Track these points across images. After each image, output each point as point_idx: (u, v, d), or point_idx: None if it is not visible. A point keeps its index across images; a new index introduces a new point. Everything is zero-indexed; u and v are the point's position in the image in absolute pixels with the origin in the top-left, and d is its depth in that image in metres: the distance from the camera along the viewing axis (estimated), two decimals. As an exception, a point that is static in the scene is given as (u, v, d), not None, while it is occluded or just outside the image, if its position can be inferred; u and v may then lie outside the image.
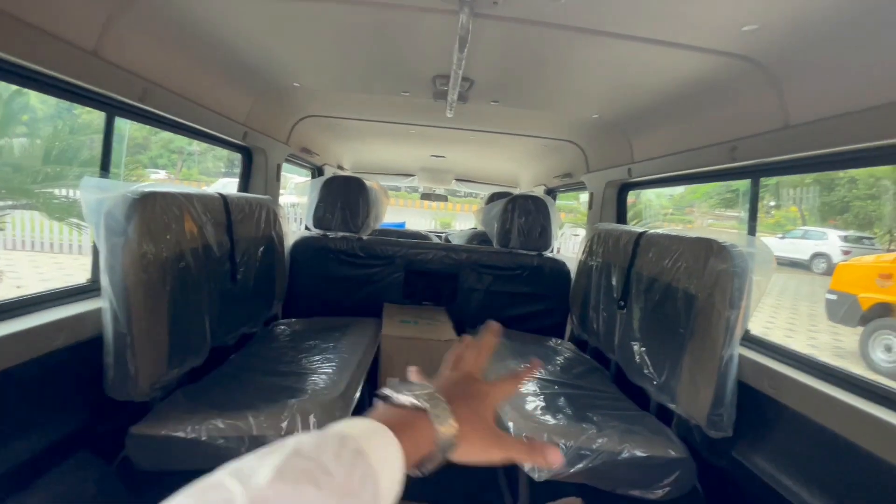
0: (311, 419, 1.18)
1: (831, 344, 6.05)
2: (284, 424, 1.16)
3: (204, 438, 1.12)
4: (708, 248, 1.27)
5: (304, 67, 1.66)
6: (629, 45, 1.17)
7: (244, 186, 2.17)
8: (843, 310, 5.33)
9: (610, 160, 2.18)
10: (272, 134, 2.15)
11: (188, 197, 1.36)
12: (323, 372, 1.49)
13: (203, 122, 1.57)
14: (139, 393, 1.13)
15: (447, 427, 0.38)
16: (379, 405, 0.40)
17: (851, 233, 10.55)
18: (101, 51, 1.08)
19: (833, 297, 5.51)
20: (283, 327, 2.04)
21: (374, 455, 0.33)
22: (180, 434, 1.12)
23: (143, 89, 1.23)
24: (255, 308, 1.85)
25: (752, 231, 1.37)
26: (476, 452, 0.40)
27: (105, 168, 1.30)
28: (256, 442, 1.12)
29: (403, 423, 0.37)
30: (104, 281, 1.10)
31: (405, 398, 0.39)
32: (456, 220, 13.25)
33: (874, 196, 11.14)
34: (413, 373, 0.48)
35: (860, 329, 5.17)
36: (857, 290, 5.26)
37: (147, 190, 1.19)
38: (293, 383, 1.40)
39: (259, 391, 1.34)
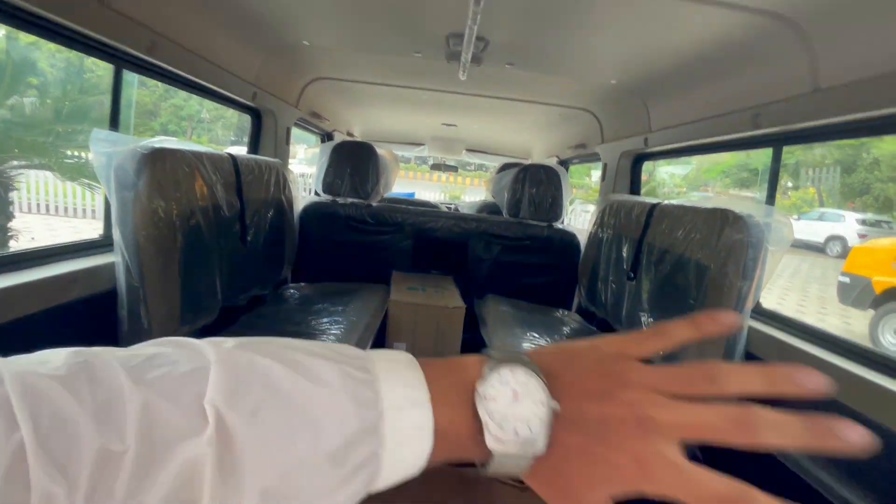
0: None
1: (840, 327, 6.01)
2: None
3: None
4: (723, 218, 1.24)
5: (313, 24, 1.61)
6: (652, 1, 1.12)
7: (253, 149, 2.15)
8: (856, 293, 5.26)
9: (626, 130, 2.12)
10: (282, 96, 2.12)
11: (198, 155, 1.35)
12: (332, 333, 1.52)
13: (212, 80, 1.55)
14: None
15: (519, 465, 0.25)
16: (470, 362, 0.27)
17: (870, 216, 10.30)
18: None
19: (846, 279, 5.43)
20: (292, 291, 2.07)
21: (390, 427, 0.24)
22: None
23: (151, 41, 1.21)
24: (265, 271, 1.86)
25: (770, 200, 1.34)
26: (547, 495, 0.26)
27: (114, 123, 1.29)
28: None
29: (454, 426, 0.26)
30: (116, 235, 1.11)
31: (486, 420, 0.25)
32: (465, 193, 13.15)
33: (896, 179, 10.82)
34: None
35: (870, 312, 5.12)
36: (871, 274, 5.18)
37: (157, 146, 1.18)
38: (302, 343, 1.42)
39: None
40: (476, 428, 0.25)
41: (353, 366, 0.26)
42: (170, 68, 1.33)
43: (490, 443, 0.25)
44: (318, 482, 0.23)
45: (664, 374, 0.26)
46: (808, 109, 1.13)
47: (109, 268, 1.17)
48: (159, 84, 1.52)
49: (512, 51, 1.64)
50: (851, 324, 6.03)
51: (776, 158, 1.31)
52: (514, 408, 0.25)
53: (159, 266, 1.15)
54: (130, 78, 1.39)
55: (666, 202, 1.60)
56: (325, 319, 1.66)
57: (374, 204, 2.30)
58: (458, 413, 0.26)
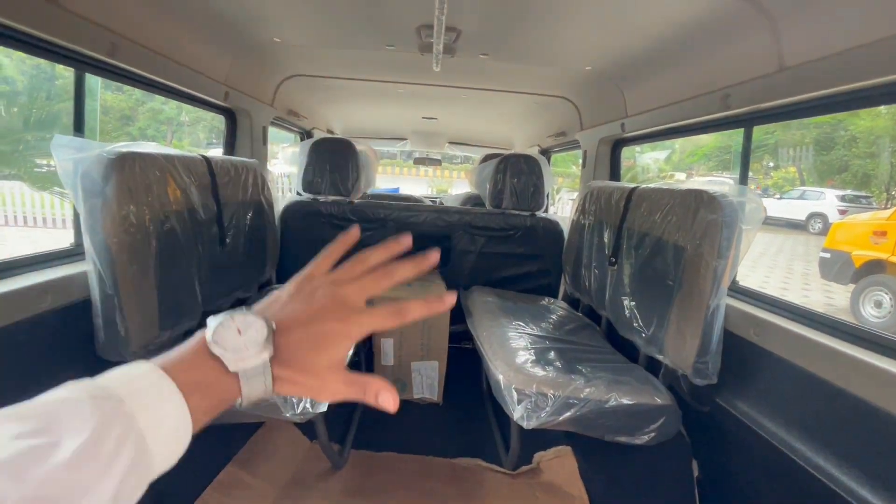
0: (304, 375, 1.20)
1: (822, 301, 6.15)
2: (277, 381, 1.17)
3: (198, 396, 1.13)
4: (698, 199, 1.25)
5: (283, 20, 1.58)
6: None
7: (230, 150, 2.12)
8: (837, 268, 5.38)
9: (603, 116, 2.13)
10: (256, 95, 2.08)
11: (169, 158, 1.32)
12: (316, 332, 1.51)
13: (181, 81, 1.52)
14: (132, 354, 1.14)
15: (258, 387, 0.33)
16: (194, 344, 0.34)
17: (849, 192, 10.52)
18: (64, 0, 1.03)
19: (827, 255, 5.55)
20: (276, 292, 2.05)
21: (143, 416, 0.28)
22: None
23: (112, 43, 1.18)
24: (247, 273, 1.84)
25: (743, 180, 1.36)
26: (297, 393, 0.36)
27: (79, 129, 1.26)
28: (250, 398, 1.15)
29: (202, 373, 0.32)
30: (86, 243, 1.08)
31: (223, 357, 0.33)
32: (453, 187, 13.13)
33: (873, 154, 11.03)
34: (322, 258, 0.42)
35: (852, 287, 5.24)
36: (850, 248, 5.30)
37: (124, 150, 1.15)
38: (286, 343, 1.42)
39: None
40: (220, 369, 0.33)
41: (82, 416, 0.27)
42: (135, 70, 1.30)
43: (232, 366, 0.32)
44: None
45: (338, 271, 0.40)
46: (775, 88, 1.14)
47: (83, 277, 1.15)
48: (135, 88, 1.49)
49: (485, 41, 1.63)
50: (833, 298, 6.17)
51: (747, 138, 1.33)
52: (241, 338, 0.33)
53: (134, 273, 1.13)
54: (95, 83, 1.35)
55: (643, 186, 1.62)
56: (309, 319, 1.65)
57: (356, 201, 2.28)
58: (198, 369, 0.32)
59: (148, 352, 1.22)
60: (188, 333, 1.42)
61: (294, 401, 1.16)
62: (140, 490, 0.28)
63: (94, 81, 1.33)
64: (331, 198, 2.24)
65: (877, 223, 5.21)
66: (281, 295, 0.38)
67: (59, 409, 0.27)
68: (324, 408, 1.17)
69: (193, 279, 1.42)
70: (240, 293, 1.82)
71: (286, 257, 2.23)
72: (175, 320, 1.32)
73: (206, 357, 0.33)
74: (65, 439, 0.25)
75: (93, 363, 1.16)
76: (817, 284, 6.63)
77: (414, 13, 1.43)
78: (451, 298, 0.41)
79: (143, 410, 0.29)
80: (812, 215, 10.43)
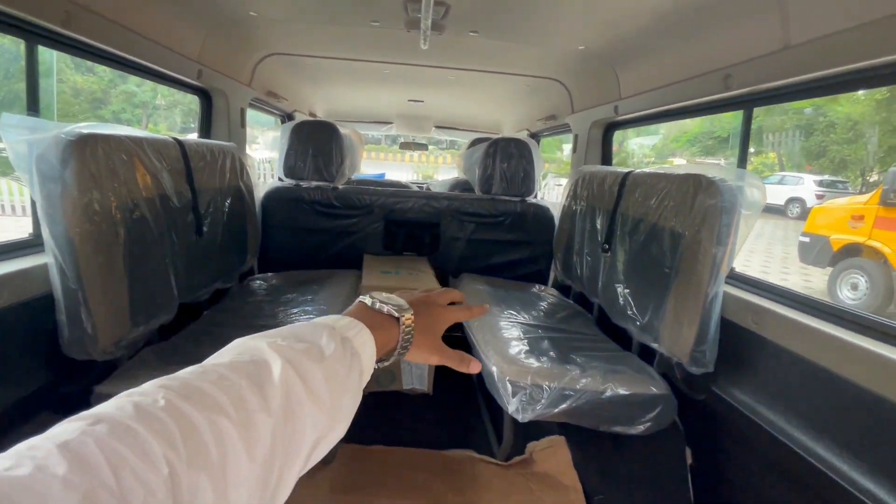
0: (288, 371, 1.14)
1: (801, 284, 6.29)
2: (259, 378, 1.11)
3: (174, 395, 1.07)
4: (696, 184, 1.22)
5: None
6: None
7: (205, 133, 2.00)
8: (815, 251, 5.50)
9: (596, 98, 2.07)
10: (232, 74, 1.97)
11: (137, 140, 1.22)
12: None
13: (146, 56, 1.40)
14: (100, 352, 1.06)
15: (407, 334, 0.49)
16: (358, 307, 0.49)
17: (826, 177, 10.74)
18: None
19: (806, 239, 5.66)
20: (259, 282, 1.97)
21: (357, 341, 0.43)
22: None
23: (66, 12, 1.06)
24: (227, 262, 1.76)
25: (742, 163, 1.32)
26: (422, 356, 0.52)
27: (33, 108, 1.15)
28: (230, 396, 1.08)
29: (376, 323, 0.46)
30: (45, 233, 0.99)
31: (385, 307, 0.49)
32: (438, 173, 12.99)
33: (850, 140, 11.25)
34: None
35: (829, 270, 5.36)
36: (829, 232, 5.41)
37: (85, 131, 1.05)
38: (269, 337, 1.35)
39: None
40: (386, 317, 0.48)
41: (336, 337, 0.41)
42: (93, 43, 1.19)
43: (396, 312, 0.48)
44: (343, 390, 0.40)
45: (431, 294, 0.57)
46: (778, 68, 1.10)
47: (43, 270, 1.06)
48: (108, 68, 1.37)
49: (475, 17, 1.55)
50: (812, 281, 6.32)
51: (747, 120, 1.29)
52: (392, 300, 0.50)
53: (99, 264, 1.04)
54: (51, 57, 1.24)
55: (638, 170, 1.58)
56: (294, 310, 1.58)
57: (341, 186, 2.20)
58: (374, 317, 0.47)
59: (119, 348, 1.14)
60: (164, 328, 1.35)
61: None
62: (360, 391, 0.42)
63: (50, 56, 1.21)
64: (314, 183, 2.15)
65: (855, 207, 5.32)
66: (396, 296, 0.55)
67: (308, 331, 0.40)
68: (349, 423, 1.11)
69: (168, 270, 1.33)
70: (219, 284, 1.74)
71: (268, 245, 2.14)
72: (149, 314, 1.24)
73: (373, 312, 0.48)
74: (325, 347, 0.39)
75: (58, 362, 1.08)
76: (796, 268, 6.78)
77: None
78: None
79: (355, 338, 0.43)
80: (791, 200, 10.64)
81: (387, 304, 0.49)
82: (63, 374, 1.11)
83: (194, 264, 1.49)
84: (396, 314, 0.48)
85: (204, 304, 1.66)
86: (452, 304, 0.58)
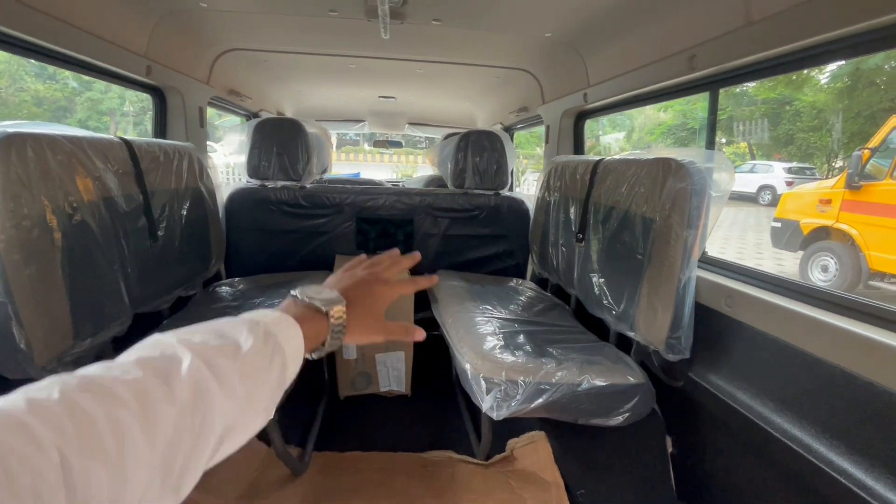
0: (247, 380, 1.07)
1: (775, 268, 6.45)
2: (216, 388, 1.04)
3: (123, 411, 0.99)
4: (666, 168, 1.19)
5: None
6: None
7: (160, 133, 1.90)
8: (787, 236, 5.63)
9: (565, 87, 2.05)
10: (186, 71, 1.87)
11: (75, 140, 1.14)
12: (265, 330, 1.37)
13: (85, 51, 1.31)
14: (38, 369, 0.98)
15: (338, 324, 0.49)
16: (288, 301, 0.50)
17: (795, 164, 11.06)
18: None
19: (778, 224, 5.80)
20: (224, 288, 1.88)
21: (282, 336, 0.42)
22: None
23: None
24: (188, 268, 1.67)
25: (710, 144, 1.31)
26: (362, 338, 0.53)
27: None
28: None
29: (305, 317, 0.47)
30: None
31: (314, 301, 0.49)
32: (417, 171, 12.93)
33: (816, 128, 11.61)
34: (354, 261, 0.61)
35: (801, 253, 5.51)
36: (799, 217, 5.55)
37: (11, 130, 0.97)
38: (230, 344, 1.27)
39: None
40: (314, 310, 0.49)
41: (258, 333, 0.41)
42: (19, 35, 1.10)
43: (324, 307, 0.49)
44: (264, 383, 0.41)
45: (372, 263, 0.59)
46: (742, 45, 1.08)
47: None
48: (70, 76, 1.27)
49: (436, 5, 1.50)
50: (784, 265, 6.49)
51: (713, 101, 1.28)
52: (322, 292, 0.51)
53: (32, 275, 0.96)
54: (20, 64, 1.14)
55: (609, 158, 1.55)
56: (259, 315, 1.51)
57: (308, 186, 2.12)
58: (302, 312, 0.48)
59: (63, 364, 1.05)
60: (118, 340, 1.26)
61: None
62: (283, 383, 0.42)
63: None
64: (280, 183, 2.07)
65: (822, 192, 5.46)
66: (332, 278, 0.57)
67: (229, 327, 0.40)
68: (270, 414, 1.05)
69: (117, 278, 1.25)
70: (181, 291, 1.65)
71: (235, 249, 2.06)
72: (96, 326, 1.15)
73: (301, 305, 0.49)
74: (242, 343, 0.39)
75: None
76: (769, 253, 6.95)
77: None
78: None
79: (280, 332, 0.42)
80: (762, 187, 10.92)
81: (315, 297, 0.49)
82: None
83: (149, 271, 1.40)
84: (323, 308, 0.49)
85: (164, 314, 1.58)
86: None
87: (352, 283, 0.54)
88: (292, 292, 0.51)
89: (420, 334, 0.56)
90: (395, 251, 0.63)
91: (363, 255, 0.63)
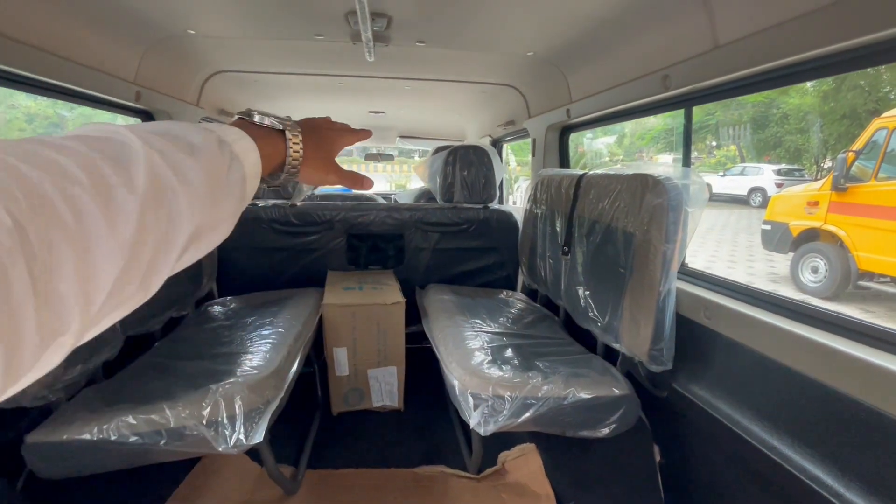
0: (237, 402, 1.08)
1: (766, 270, 6.51)
2: (206, 412, 1.05)
3: (114, 438, 1.00)
4: (644, 184, 1.23)
5: (194, 9, 1.43)
6: None
7: (151, 156, 1.92)
8: (777, 238, 5.70)
9: (549, 102, 2.10)
10: (176, 94, 1.90)
11: None
12: (256, 350, 1.39)
13: (74, 80, 1.33)
14: (29, 398, 0.99)
15: (296, 149, 0.48)
16: (237, 122, 0.47)
17: (783, 166, 11.19)
18: None
19: (767, 227, 5.86)
20: (216, 307, 1.90)
21: (236, 147, 0.40)
22: (86, 437, 1.00)
23: None
24: (179, 289, 1.69)
25: (686, 162, 1.35)
26: (317, 176, 0.52)
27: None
28: (175, 434, 1.02)
29: (259, 134, 0.45)
30: None
31: (268, 120, 0.48)
32: (412, 182, 12.96)
33: (803, 130, 11.79)
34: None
35: (791, 255, 5.57)
36: (788, 219, 5.61)
37: None
38: (221, 366, 1.29)
39: (182, 379, 1.22)
40: (270, 130, 0.47)
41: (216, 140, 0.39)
42: (13, 70, 1.12)
43: (277, 124, 0.48)
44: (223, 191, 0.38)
45: (340, 124, 0.59)
46: (711, 67, 1.12)
47: None
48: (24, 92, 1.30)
49: (419, 27, 1.55)
50: (776, 267, 6.55)
51: (688, 118, 1.32)
52: (277, 119, 0.49)
53: None
54: None
55: (591, 172, 1.59)
56: (250, 335, 1.53)
57: (299, 203, 2.15)
58: (257, 129, 0.46)
59: (54, 391, 1.06)
60: (110, 364, 1.28)
61: (227, 433, 1.05)
62: (245, 199, 0.41)
63: None
64: (270, 202, 2.09)
65: (810, 194, 5.54)
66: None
67: (184, 130, 0.36)
68: (260, 437, 1.07)
69: None
70: (173, 312, 1.67)
71: (226, 268, 2.07)
72: (88, 351, 1.17)
73: (254, 126, 0.47)
74: (197, 145, 0.35)
75: None
76: (761, 255, 7.01)
77: None
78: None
79: (235, 143, 0.40)
80: (752, 190, 11.03)
81: (268, 116, 0.48)
82: None
83: None
84: (280, 126, 0.48)
85: (156, 335, 1.59)
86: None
87: (303, 121, 0.54)
88: (239, 113, 0.49)
89: (368, 184, 0.57)
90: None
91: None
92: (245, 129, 0.45)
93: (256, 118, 0.48)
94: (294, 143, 0.48)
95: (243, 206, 0.41)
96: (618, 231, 1.33)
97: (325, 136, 0.55)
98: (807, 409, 0.89)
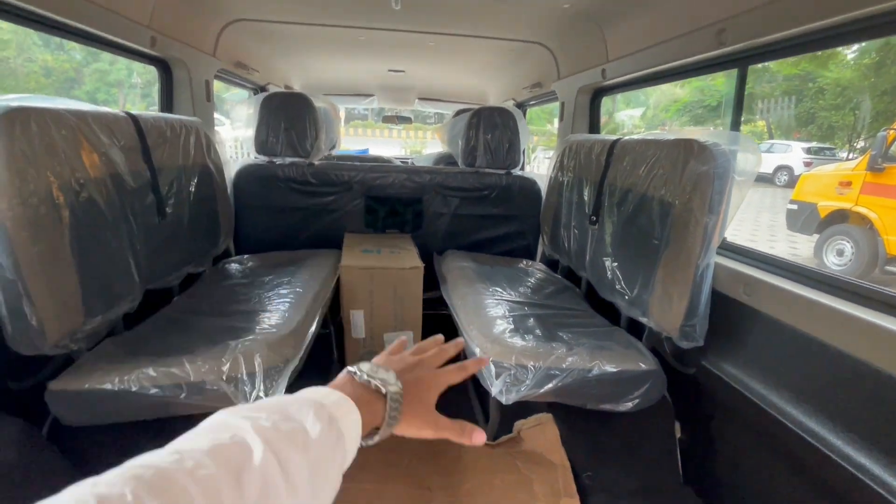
0: (257, 359, 1.07)
1: (787, 251, 6.34)
2: (226, 368, 1.04)
3: (134, 389, 1.00)
4: (688, 150, 1.14)
5: None
6: None
7: (166, 107, 1.87)
8: (803, 218, 5.51)
9: (582, 62, 1.97)
10: (192, 42, 1.82)
11: (80, 115, 1.11)
12: (274, 309, 1.37)
13: (86, 20, 1.27)
14: (51, 345, 0.98)
15: (396, 413, 0.46)
16: (345, 378, 0.47)
17: (814, 144, 10.71)
18: None
19: (794, 206, 5.66)
20: (233, 265, 1.88)
21: (344, 422, 0.40)
22: (107, 386, 1.00)
23: None
24: (197, 245, 1.67)
25: (735, 125, 1.25)
26: (412, 430, 0.49)
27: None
28: (195, 389, 1.02)
29: (363, 399, 0.44)
30: None
31: (372, 381, 0.47)
32: (427, 148, 12.75)
33: (839, 106, 11.19)
34: (397, 344, 0.58)
35: (815, 237, 5.39)
36: (817, 199, 5.41)
37: (15, 104, 0.95)
38: (240, 323, 1.28)
39: (201, 334, 1.21)
40: (373, 393, 0.46)
41: (323, 418, 0.40)
42: (18, 4, 1.06)
43: (383, 388, 0.46)
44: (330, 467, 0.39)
45: (418, 349, 0.57)
46: (775, 19, 1.01)
47: None
48: (77, 46, 1.24)
49: None
50: (798, 248, 6.37)
51: (741, 79, 1.21)
52: (380, 372, 0.48)
53: (41, 253, 0.95)
54: (28, 35, 1.11)
55: (626, 138, 1.50)
56: (268, 294, 1.51)
57: (317, 162, 2.09)
58: (361, 392, 0.46)
59: (75, 340, 1.06)
60: (131, 317, 1.27)
61: (246, 389, 1.04)
62: (340, 478, 0.40)
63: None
64: (288, 160, 2.04)
65: (843, 174, 5.30)
66: (380, 358, 0.54)
67: (295, 408, 0.38)
68: (280, 395, 1.06)
69: (127, 255, 1.24)
70: (191, 268, 1.65)
71: (243, 226, 2.05)
72: (107, 303, 1.15)
73: (361, 387, 0.46)
74: (310, 430, 0.37)
75: (5, 359, 1.00)
76: (783, 235, 6.82)
77: None
78: (480, 438, 0.53)
79: (342, 417, 0.41)
80: (779, 168, 10.62)
81: (374, 377, 0.47)
82: (12, 370, 1.03)
83: (158, 248, 1.40)
84: (383, 389, 0.46)
85: (174, 290, 1.58)
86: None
87: (404, 367, 0.51)
88: (349, 368, 0.48)
89: (479, 436, 0.51)
90: (440, 337, 0.60)
91: (404, 338, 0.61)
92: (349, 387, 0.45)
93: (364, 378, 0.47)
94: (393, 405, 0.46)
95: (337, 489, 0.40)
96: (654, 200, 1.26)
97: (427, 382, 0.52)
98: (857, 393, 0.84)
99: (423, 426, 0.49)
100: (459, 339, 0.61)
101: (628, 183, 1.39)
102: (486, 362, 0.60)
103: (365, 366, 0.49)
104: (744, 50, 1.14)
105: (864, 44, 9.49)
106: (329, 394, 0.42)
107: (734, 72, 1.25)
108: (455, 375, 0.55)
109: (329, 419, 0.39)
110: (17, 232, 0.90)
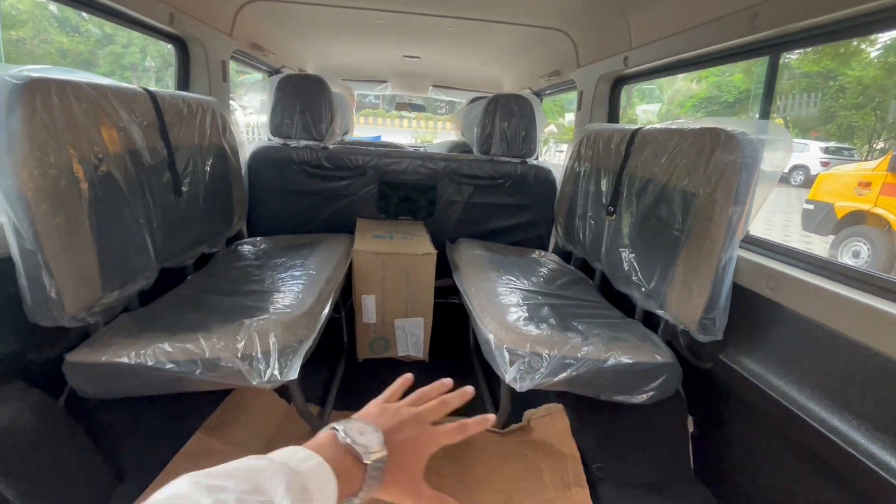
0: (272, 339, 1.07)
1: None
2: (241, 346, 1.04)
3: (150, 363, 1.00)
4: (714, 139, 1.11)
5: None
6: None
7: (182, 86, 1.86)
8: (820, 219, 5.41)
9: (603, 49, 1.93)
10: (210, 22, 1.81)
11: (99, 88, 1.11)
12: (288, 290, 1.37)
13: None
14: (69, 318, 0.99)
15: (375, 482, 0.43)
16: (328, 438, 0.44)
17: (832, 144, 10.47)
18: None
19: (810, 206, 5.56)
20: (247, 246, 1.88)
21: (317, 494, 0.38)
22: (123, 360, 1.00)
23: None
24: (211, 225, 1.67)
25: (765, 114, 1.21)
26: (391, 498, 0.46)
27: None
28: (210, 365, 1.02)
29: (342, 466, 0.42)
30: None
31: (356, 446, 0.44)
32: (438, 138, 12.68)
33: (860, 106, 10.92)
34: (397, 385, 0.56)
35: (830, 238, 5.29)
36: (834, 199, 5.30)
37: (36, 75, 0.94)
38: (254, 302, 1.28)
39: (215, 312, 1.21)
40: (354, 461, 0.43)
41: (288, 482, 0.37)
42: None
43: (365, 458, 0.43)
44: None
45: (412, 403, 0.53)
46: (812, 4, 0.98)
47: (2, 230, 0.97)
48: (93, 29, 1.23)
49: None
50: (813, 248, 6.26)
51: (772, 67, 1.17)
52: (365, 437, 0.45)
53: (59, 224, 0.95)
54: (45, 17, 1.10)
55: (648, 127, 1.47)
56: (281, 275, 1.51)
57: (331, 146, 2.08)
58: (341, 457, 0.43)
59: (92, 314, 1.06)
60: (146, 294, 1.27)
61: (261, 368, 1.04)
62: None
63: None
64: (302, 143, 2.03)
65: (862, 174, 5.19)
66: (374, 408, 0.51)
67: (265, 476, 0.35)
68: (294, 374, 1.06)
69: (143, 232, 1.24)
70: (205, 248, 1.66)
71: (256, 208, 2.05)
72: (124, 278, 1.16)
73: (342, 450, 0.43)
74: (275, 499, 0.34)
75: (24, 329, 1.01)
76: (797, 236, 6.71)
77: None
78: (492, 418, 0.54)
79: (318, 490, 0.38)
80: (795, 167, 10.41)
81: (357, 442, 0.44)
82: (31, 341, 1.04)
83: (174, 226, 1.40)
84: (365, 460, 0.43)
85: (188, 270, 1.59)
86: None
87: (395, 424, 0.48)
88: (334, 425, 0.45)
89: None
90: (447, 382, 0.56)
91: (409, 375, 0.58)
92: (330, 450, 0.42)
93: (347, 440, 0.43)
94: (374, 471, 0.43)
95: None
96: (675, 191, 1.23)
97: (416, 443, 0.48)
98: (885, 392, 0.82)
99: (404, 497, 0.46)
100: (468, 388, 0.56)
101: (649, 173, 1.36)
102: (491, 421, 0.55)
103: (352, 424, 0.46)
104: (777, 36, 1.10)
105: (889, 41, 9.24)
106: (306, 458, 0.40)
107: (753, 66, 1.21)
108: (452, 436, 0.51)
109: (301, 490, 0.36)
110: (37, 203, 0.90)
